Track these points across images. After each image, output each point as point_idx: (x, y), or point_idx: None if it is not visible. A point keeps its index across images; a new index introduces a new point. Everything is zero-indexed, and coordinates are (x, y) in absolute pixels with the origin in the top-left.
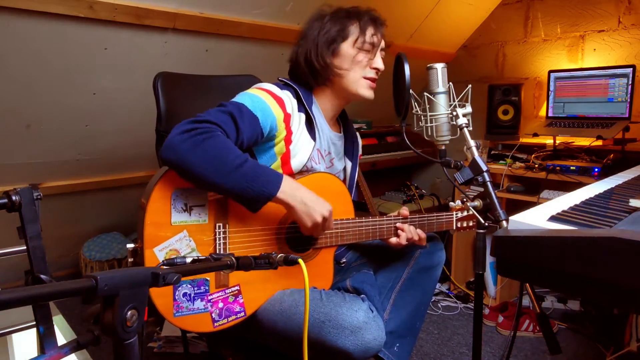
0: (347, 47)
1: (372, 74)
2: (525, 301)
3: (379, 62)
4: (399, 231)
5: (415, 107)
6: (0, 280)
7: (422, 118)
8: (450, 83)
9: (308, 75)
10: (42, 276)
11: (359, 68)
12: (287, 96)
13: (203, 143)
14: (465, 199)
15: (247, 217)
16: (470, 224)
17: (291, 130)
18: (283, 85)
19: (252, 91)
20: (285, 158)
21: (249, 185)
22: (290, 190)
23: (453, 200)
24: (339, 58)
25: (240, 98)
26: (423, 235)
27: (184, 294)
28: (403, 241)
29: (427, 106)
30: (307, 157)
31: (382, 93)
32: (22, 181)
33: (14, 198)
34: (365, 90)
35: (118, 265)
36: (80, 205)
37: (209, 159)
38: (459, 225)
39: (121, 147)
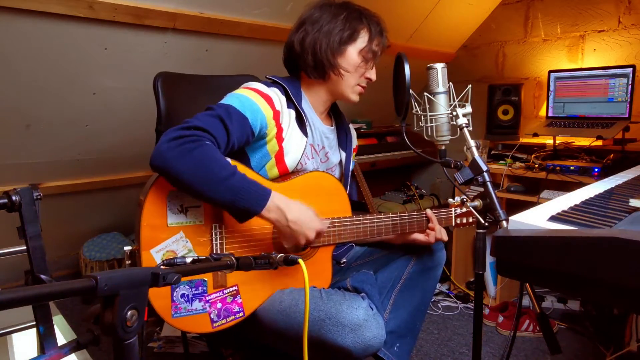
0: (353, 51)
1: (364, 83)
2: (525, 301)
3: (373, 74)
4: (428, 230)
5: (415, 107)
6: (0, 280)
7: (422, 118)
8: (450, 83)
9: (309, 65)
10: (42, 276)
11: (357, 75)
12: (274, 93)
13: (191, 152)
14: (465, 199)
15: None
16: (470, 219)
17: (282, 127)
18: (271, 83)
19: (240, 91)
20: (279, 156)
21: (235, 199)
22: (277, 209)
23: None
24: (343, 59)
25: (228, 99)
26: (444, 233)
27: (182, 295)
28: (432, 239)
29: (427, 106)
30: (301, 154)
31: (382, 93)
32: (22, 181)
33: (14, 198)
34: (354, 95)
35: (118, 265)
36: (80, 205)
37: (197, 168)
38: (458, 221)
39: (121, 147)
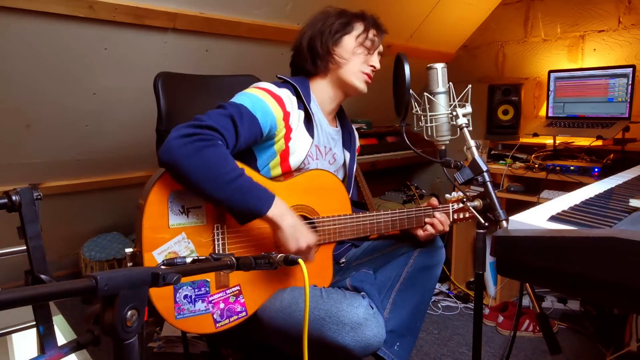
0: (349, 40)
1: (368, 70)
2: (525, 301)
3: (376, 61)
4: (428, 225)
5: (415, 107)
6: (0, 280)
7: (422, 118)
8: (450, 83)
9: (308, 61)
10: (42, 276)
11: (358, 61)
12: (285, 94)
13: (202, 151)
14: (465, 199)
15: None
16: (467, 215)
17: (291, 127)
18: (281, 83)
19: (251, 91)
20: (284, 155)
21: (241, 200)
22: (280, 212)
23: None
24: (340, 48)
25: (240, 99)
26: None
27: (185, 296)
28: (432, 231)
29: (427, 106)
30: (305, 154)
31: (382, 93)
32: (22, 181)
33: (14, 198)
34: (360, 82)
35: (118, 265)
36: (80, 205)
37: (206, 168)
38: (455, 217)
39: (121, 147)
